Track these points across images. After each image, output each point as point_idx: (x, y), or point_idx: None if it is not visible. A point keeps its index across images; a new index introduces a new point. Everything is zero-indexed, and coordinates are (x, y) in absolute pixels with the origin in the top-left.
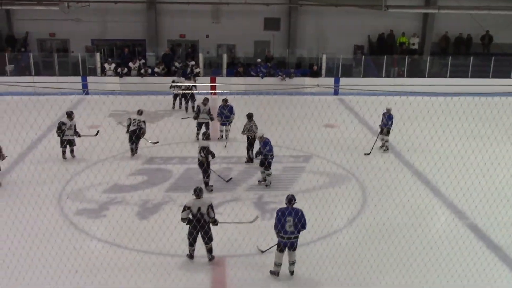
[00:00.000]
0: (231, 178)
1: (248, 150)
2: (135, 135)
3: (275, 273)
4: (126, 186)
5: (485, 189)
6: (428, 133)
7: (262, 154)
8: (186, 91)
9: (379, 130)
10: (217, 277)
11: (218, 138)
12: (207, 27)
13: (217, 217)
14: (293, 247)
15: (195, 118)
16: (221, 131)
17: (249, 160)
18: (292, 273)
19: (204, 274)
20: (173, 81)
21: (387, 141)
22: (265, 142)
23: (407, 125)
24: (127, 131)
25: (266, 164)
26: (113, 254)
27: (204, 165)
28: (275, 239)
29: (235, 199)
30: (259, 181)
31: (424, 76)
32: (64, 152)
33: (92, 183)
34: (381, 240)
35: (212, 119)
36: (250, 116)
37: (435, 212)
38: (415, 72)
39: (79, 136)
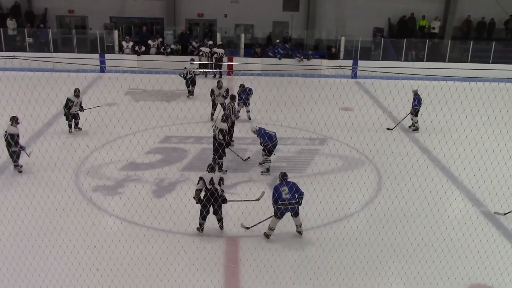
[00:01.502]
0: (248, 157)
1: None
2: (191, 80)
3: (267, 236)
4: (143, 164)
5: (506, 177)
6: (448, 119)
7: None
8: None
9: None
10: (230, 257)
11: (236, 118)
12: (226, 7)
13: (229, 196)
14: (294, 212)
15: (213, 104)
16: (238, 111)
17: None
18: (300, 233)
19: (218, 253)
20: (192, 60)
21: (416, 122)
22: (259, 134)
23: (427, 110)
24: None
25: (266, 151)
26: (131, 231)
27: (215, 145)
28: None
29: (249, 180)
30: (260, 163)
31: (444, 61)
32: (70, 126)
33: (110, 160)
34: (396, 225)
35: (227, 98)
36: (232, 97)
37: (452, 199)
38: (435, 56)
39: (83, 110)
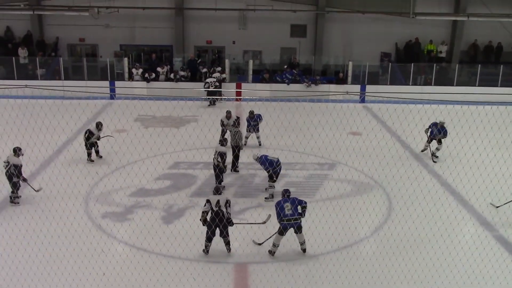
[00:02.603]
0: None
1: (234, 161)
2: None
3: (271, 252)
4: (152, 190)
5: None
6: (456, 143)
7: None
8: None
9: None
10: (239, 283)
11: (244, 144)
12: (234, 33)
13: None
14: (297, 228)
15: (222, 131)
16: (246, 137)
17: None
18: (304, 251)
19: (227, 280)
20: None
21: (437, 149)
22: (261, 161)
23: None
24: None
25: (274, 177)
26: (140, 258)
27: (217, 170)
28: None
29: (258, 205)
30: (265, 188)
31: (452, 85)
32: (89, 154)
33: (119, 187)
34: (407, 250)
35: (236, 127)
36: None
37: (463, 224)
38: (443, 80)
39: (99, 139)
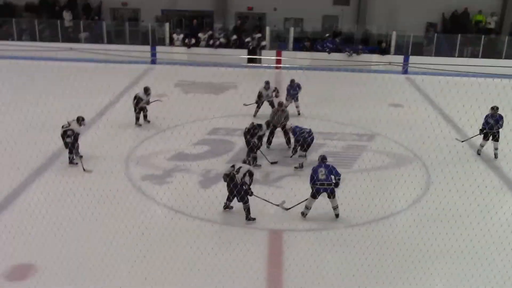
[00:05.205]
0: (276, 162)
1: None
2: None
3: (303, 214)
4: (191, 155)
5: None
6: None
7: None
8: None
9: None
10: (274, 250)
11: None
12: (275, 0)
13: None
14: (330, 194)
15: (257, 103)
16: (286, 106)
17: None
18: (337, 216)
19: (262, 246)
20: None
21: (496, 148)
22: (294, 132)
23: (481, 109)
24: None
25: (300, 147)
26: (177, 220)
27: (250, 144)
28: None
29: (295, 174)
30: (295, 167)
31: (501, 57)
32: (137, 118)
33: (159, 150)
34: (444, 225)
35: (277, 96)
36: (280, 104)
37: (503, 201)
38: (491, 53)
39: (149, 104)
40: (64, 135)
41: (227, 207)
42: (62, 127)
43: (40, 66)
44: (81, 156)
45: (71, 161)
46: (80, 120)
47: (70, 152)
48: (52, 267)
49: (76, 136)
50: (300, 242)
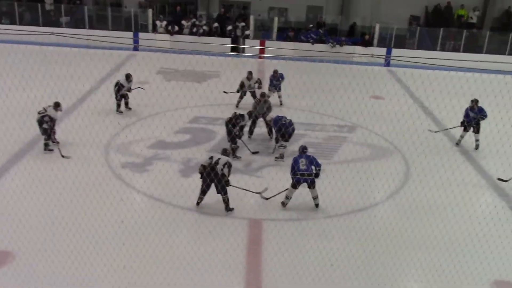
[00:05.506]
0: (257, 152)
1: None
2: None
3: (283, 204)
4: (171, 143)
5: None
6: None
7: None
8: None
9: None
10: (253, 239)
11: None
12: None
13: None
14: (311, 184)
15: (238, 92)
16: (268, 96)
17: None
18: (317, 205)
19: (242, 235)
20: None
21: (477, 140)
22: (275, 122)
23: (460, 102)
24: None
25: (281, 137)
26: (157, 208)
27: (231, 134)
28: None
29: (276, 164)
30: (275, 157)
31: (481, 52)
32: (119, 105)
33: (140, 138)
34: (421, 217)
35: (259, 87)
36: (262, 95)
37: (480, 194)
38: (473, 47)
39: (130, 91)
40: (40, 121)
41: (201, 201)
42: (39, 113)
43: (20, 50)
44: (57, 142)
45: (46, 148)
46: (57, 106)
47: (47, 139)
48: (30, 254)
49: (53, 122)
50: (279, 231)
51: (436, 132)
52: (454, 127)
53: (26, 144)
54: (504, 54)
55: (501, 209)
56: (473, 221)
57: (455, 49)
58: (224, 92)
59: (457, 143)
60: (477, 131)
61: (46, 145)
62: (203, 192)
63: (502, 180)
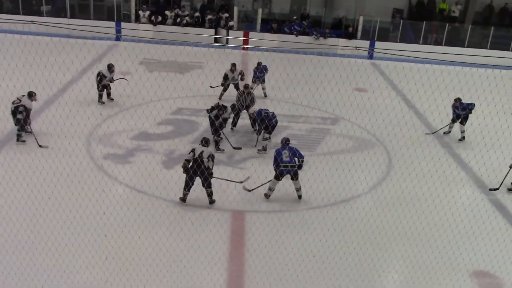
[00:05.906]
0: (240, 148)
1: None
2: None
3: (266, 195)
4: (154, 135)
5: None
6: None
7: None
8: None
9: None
10: (236, 230)
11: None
12: None
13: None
14: (294, 176)
15: (223, 85)
16: (252, 88)
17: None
18: (300, 197)
19: (225, 226)
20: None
21: (462, 131)
22: (258, 114)
23: (442, 95)
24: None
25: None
26: (139, 200)
27: (215, 125)
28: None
29: (260, 156)
30: (258, 150)
31: (463, 46)
32: (100, 96)
33: (122, 129)
34: (402, 208)
35: (242, 79)
36: (246, 86)
37: (460, 186)
38: (454, 41)
39: (113, 81)
40: (15, 111)
41: (185, 198)
42: (13, 103)
43: None
44: (31, 132)
45: (18, 139)
46: (31, 95)
47: (20, 130)
48: (10, 246)
49: (28, 112)
50: (262, 223)
51: (433, 133)
52: (446, 126)
53: (5, 136)
54: (485, 48)
55: (480, 201)
56: (453, 212)
57: (438, 43)
58: (211, 86)
59: (445, 132)
60: (463, 122)
61: (18, 136)
62: (188, 186)
63: (493, 189)
